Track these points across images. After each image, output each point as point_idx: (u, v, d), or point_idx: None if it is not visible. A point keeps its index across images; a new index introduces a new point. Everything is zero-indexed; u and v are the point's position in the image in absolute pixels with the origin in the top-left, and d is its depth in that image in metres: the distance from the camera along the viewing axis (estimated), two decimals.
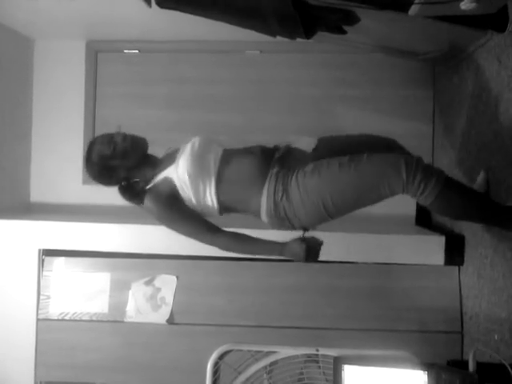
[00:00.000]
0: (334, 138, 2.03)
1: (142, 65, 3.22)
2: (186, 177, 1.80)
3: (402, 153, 1.91)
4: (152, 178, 1.90)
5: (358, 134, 2.04)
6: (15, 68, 3.10)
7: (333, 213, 1.79)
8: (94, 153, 1.90)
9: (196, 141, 1.90)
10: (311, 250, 1.80)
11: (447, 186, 1.70)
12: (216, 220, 1.93)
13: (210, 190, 1.82)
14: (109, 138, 1.90)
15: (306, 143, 1.96)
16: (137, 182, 1.97)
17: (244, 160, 1.87)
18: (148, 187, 1.89)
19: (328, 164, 1.77)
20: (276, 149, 1.94)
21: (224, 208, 1.88)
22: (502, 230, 2.01)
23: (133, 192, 1.95)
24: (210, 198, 1.83)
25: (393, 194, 1.72)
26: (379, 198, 1.75)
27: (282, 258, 1.89)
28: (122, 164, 1.89)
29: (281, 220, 1.82)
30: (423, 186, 1.66)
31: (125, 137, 1.90)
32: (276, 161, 1.85)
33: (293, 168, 1.81)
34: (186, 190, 1.82)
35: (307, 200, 1.76)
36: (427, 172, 1.68)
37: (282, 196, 1.78)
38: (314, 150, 1.93)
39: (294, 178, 1.78)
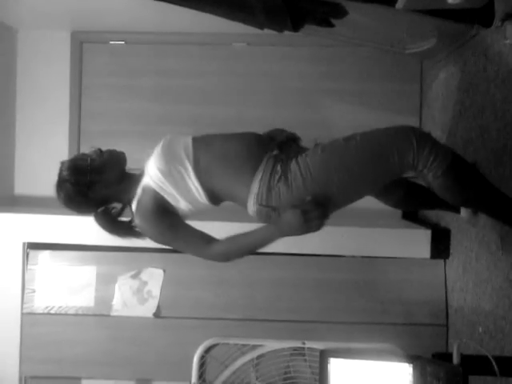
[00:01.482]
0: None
1: (127, 56, 3.19)
2: (158, 173, 1.63)
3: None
4: (133, 197, 1.71)
5: None
6: None
7: (338, 195, 1.62)
8: (67, 170, 1.70)
9: (161, 141, 1.73)
10: (309, 214, 1.55)
11: (456, 159, 1.64)
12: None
13: (189, 176, 1.64)
14: (82, 155, 1.74)
15: None
16: (114, 208, 1.79)
17: (231, 141, 1.70)
18: (134, 207, 1.70)
19: (332, 140, 1.65)
20: (271, 133, 1.80)
21: (213, 197, 1.70)
22: (504, 225, 1.92)
23: (110, 218, 1.77)
24: (194, 187, 1.65)
25: (402, 165, 1.60)
26: (388, 172, 1.64)
27: (284, 238, 1.62)
28: (100, 179, 1.70)
29: (269, 211, 1.64)
30: (434, 155, 1.58)
31: (101, 151, 1.74)
32: (276, 144, 1.70)
33: (294, 155, 1.66)
34: (166, 188, 1.64)
35: (310, 179, 1.59)
36: (436, 143, 1.63)
37: (280, 179, 1.61)
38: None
39: (293, 161, 1.63)
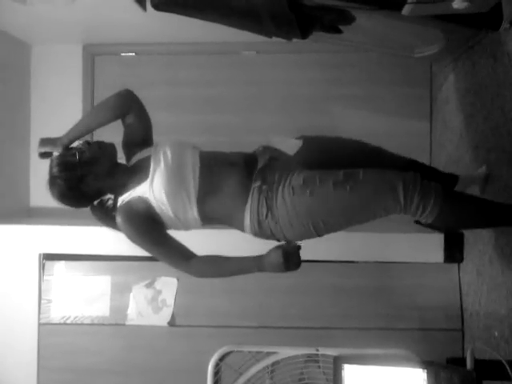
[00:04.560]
0: (321, 138, 1.87)
1: (138, 67, 3.23)
2: (164, 197, 1.63)
3: (393, 163, 1.81)
4: (124, 190, 1.70)
5: (348, 139, 1.88)
6: (12, 73, 3.11)
7: (323, 232, 1.69)
8: (57, 167, 1.69)
9: (167, 150, 1.70)
10: (290, 256, 1.58)
11: (447, 201, 1.62)
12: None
13: (191, 206, 1.66)
14: (70, 149, 1.72)
15: (290, 146, 1.78)
16: (108, 200, 1.80)
17: (225, 173, 1.69)
18: (120, 204, 1.70)
19: (321, 182, 1.62)
20: (257, 154, 1.78)
21: (207, 220, 1.72)
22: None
23: (106, 211, 1.77)
24: (192, 214, 1.67)
25: (388, 215, 1.66)
26: (373, 218, 1.68)
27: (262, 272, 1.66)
28: (91, 171, 1.68)
29: (266, 237, 1.71)
30: (422, 207, 1.59)
31: (89, 143, 1.75)
32: (258, 173, 1.69)
33: (277, 180, 1.65)
34: (164, 209, 1.65)
35: (296, 221, 1.63)
36: (425, 192, 1.60)
37: (267, 215, 1.63)
38: (299, 152, 1.76)
39: (280, 194, 1.62)
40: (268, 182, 1.66)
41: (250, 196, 1.65)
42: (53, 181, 1.71)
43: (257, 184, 1.66)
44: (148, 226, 1.67)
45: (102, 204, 1.79)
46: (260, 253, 1.64)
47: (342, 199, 1.61)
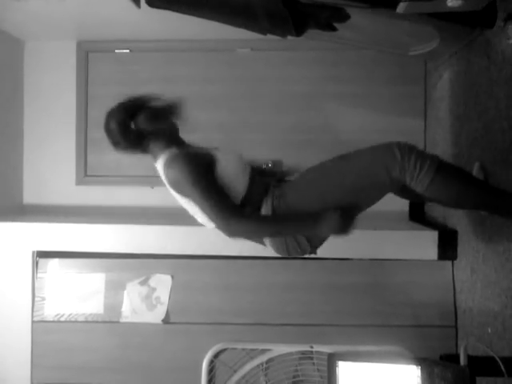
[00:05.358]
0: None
1: (133, 64, 3.22)
2: (234, 164, 1.81)
3: None
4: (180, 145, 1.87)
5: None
6: (5, 70, 3.09)
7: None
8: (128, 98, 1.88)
9: (232, 152, 1.91)
10: (346, 218, 1.70)
11: (443, 166, 1.69)
12: None
13: (242, 186, 1.81)
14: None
15: None
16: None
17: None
18: (181, 149, 1.84)
19: (319, 164, 1.80)
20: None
21: (245, 200, 1.83)
22: (500, 217, 1.95)
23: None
24: (242, 186, 1.81)
25: (391, 179, 1.69)
26: (379, 187, 1.74)
27: (313, 233, 1.79)
28: (149, 112, 1.85)
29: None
30: (419, 166, 1.64)
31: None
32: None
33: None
34: (224, 174, 1.77)
35: (306, 195, 1.79)
36: (421, 153, 1.68)
37: (280, 200, 1.80)
38: None
39: (286, 185, 1.85)
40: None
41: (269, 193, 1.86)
42: (118, 104, 1.87)
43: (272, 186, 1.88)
44: (206, 169, 1.75)
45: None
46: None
47: (342, 169, 1.75)
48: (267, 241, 1.88)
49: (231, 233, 1.74)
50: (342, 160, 1.78)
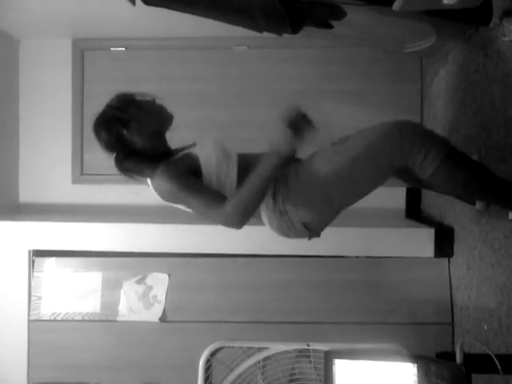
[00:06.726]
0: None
1: (128, 62, 3.21)
2: (213, 155, 1.74)
3: None
4: (165, 155, 1.78)
5: None
6: (0, 68, 3.07)
7: (335, 199, 1.75)
8: (116, 99, 1.80)
9: (214, 140, 1.86)
10: (295, 125, 1.71)
11: (451, 155, 1.61)
12: None
13: (232, 172, 1.76)
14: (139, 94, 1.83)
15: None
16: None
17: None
18: (164, 162, 1.73)
19: (320, 150, 1.83)
20: None
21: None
22: (503, 208, 1.92)
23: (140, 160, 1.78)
24: (230, 181, 1.76)
25: (391, 166, 1.63)
26: (388, 159, 1.64)
27: (283, 160, 1.65)
28: (137, 119, 1.74)
29: (279, 214, 1.77)
30: (428, 145, 1.57)
31: (154, 100, 1.83)
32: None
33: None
34: (210, 169, 1.73)
35: (309, 184, 1.76)
36: (427, 140, 1.60)
37: (280, 187, 1.76)
38: None
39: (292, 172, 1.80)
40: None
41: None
42: (106, 108, 1.79)
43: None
44: (190, 173, 1.71)
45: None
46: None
47: (347, 151, 1.73)
48: (265, 219, 1.82)
49: (233, 218, 1.65)
50: (341, 142, 1.79)
